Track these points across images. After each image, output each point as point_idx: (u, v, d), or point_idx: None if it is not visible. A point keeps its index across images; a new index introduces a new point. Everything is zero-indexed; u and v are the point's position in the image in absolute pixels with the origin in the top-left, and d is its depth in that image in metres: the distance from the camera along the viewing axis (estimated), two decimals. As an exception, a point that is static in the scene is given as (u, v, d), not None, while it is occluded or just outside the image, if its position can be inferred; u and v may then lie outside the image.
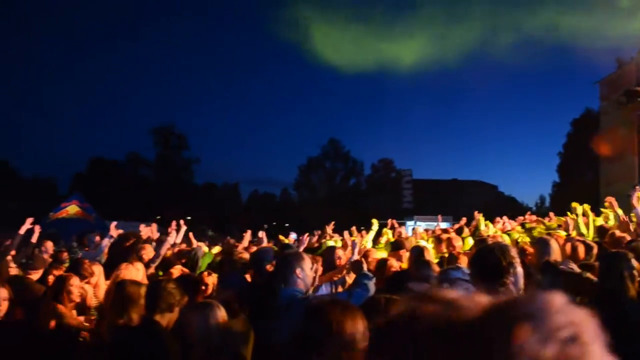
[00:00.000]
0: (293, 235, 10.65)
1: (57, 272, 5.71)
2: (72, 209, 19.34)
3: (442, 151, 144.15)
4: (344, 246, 6.14)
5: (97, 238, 7.23)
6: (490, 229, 9.44)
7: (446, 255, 6.15)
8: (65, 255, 8.33)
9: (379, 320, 0.78)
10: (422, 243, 6.88)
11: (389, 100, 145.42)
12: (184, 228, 7.57)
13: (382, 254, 6.72)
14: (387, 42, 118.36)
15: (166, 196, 59.64)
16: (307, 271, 3.60)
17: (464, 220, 10.81)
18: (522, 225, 10.36)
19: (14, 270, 6.46)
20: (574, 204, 7.83)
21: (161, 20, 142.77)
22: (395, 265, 5.42)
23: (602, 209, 9.15)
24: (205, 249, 7.67)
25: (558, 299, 0.66)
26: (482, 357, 0.63)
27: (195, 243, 8.03)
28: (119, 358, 3.34)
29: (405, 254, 6.03)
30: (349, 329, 2.00)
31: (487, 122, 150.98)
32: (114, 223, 7.83)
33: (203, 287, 4.76)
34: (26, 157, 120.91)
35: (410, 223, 27.48)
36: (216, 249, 8.37)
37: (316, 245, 8.75)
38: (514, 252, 2.74)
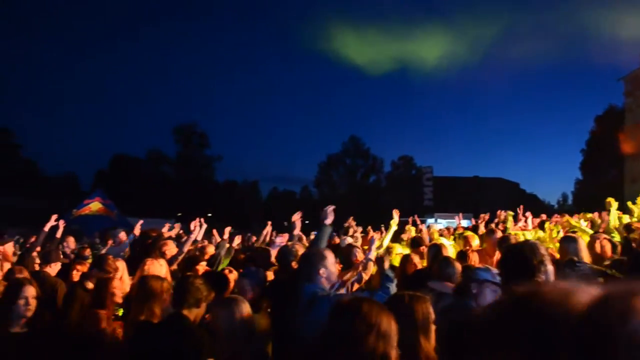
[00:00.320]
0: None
1: (80, 268, 5.78)
2: (94, 205, 19.58)
3: (463, 148, 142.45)
4: (364, 243, 6.10)
5: (122, 235, 7.29)
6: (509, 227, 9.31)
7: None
8: (88, 251, 8.42)
9: (495, 306, 0.84)
10: (444, 241, 6.82)
11: (409, 97, 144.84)
12: (204, 226, 7.61)
13: (404, 250, 6.69)
14: (408, 41, 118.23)
15: (187, 193, 60.09)
16: (331, 269, 3.60)
17: (486, 217, 10.66)
18: (541, 224, 10.18)
19: (7, 264, 6.59)
20: (609, 199, 7.73)
21: (184, 19, 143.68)
22: (417, 261, 5.39)
23: (630, 204, 9.00)
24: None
25: None
26: (601, 340, 0.66)
27: (218, 238, 8.06)
28: (147, 352, 3.38)
29: (425, 251, 5.99)
30: (385, 325, 2.03)
31: (509, 118, 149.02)
32: (140, 222, 7.93)
33: (229, 284, 4.78)
34: (49, 154, 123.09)
35: (430, 220, 27.28)
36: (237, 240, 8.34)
37: (337, 242, 8.71)
38: (544, 249, 2.68)
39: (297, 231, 5.69)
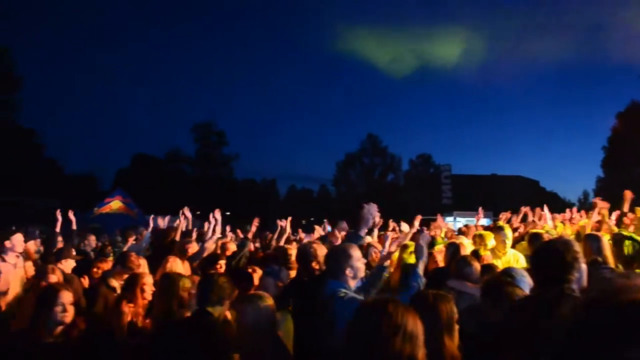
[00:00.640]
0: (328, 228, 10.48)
1: (101, 265, 5.84)
2: (115, 204, 19.81)
3: (482, 146, 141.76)
4: (380, 240, 6.08)
5: (144, 232, 7.36)
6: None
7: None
8: (109, 248, 8.52)
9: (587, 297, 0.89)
10: (464, 240, 6.76)
11: (427, 95, 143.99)
12: (219, 219, 7.57)
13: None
14: (427, 39, 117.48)
15: (206, 192, 60.43)
16: (357, 266, 3.60)
17: (507, 215, 10.49)
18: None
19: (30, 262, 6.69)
20: (638, 209, 7.65)
21: (203, 19, 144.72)
22: (440, 259, 5.37)
23: None
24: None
25: None
26: None
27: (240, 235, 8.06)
28: (171, 349, 3.41)
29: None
30: (411, 325, 2.00)
31: (528, 115, 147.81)
32: (167, 217, 8.00)
33: (253, 282, 4.79)
34: (71, 154, 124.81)
35: (449, 219, 26.99)
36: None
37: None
38: (577, 246, 2.63)
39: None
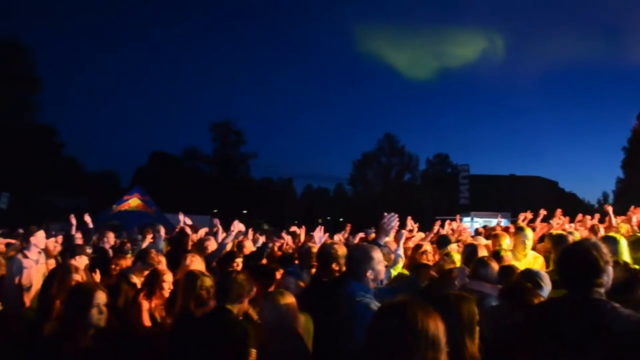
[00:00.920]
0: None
1: (120, 263, 5.90)
2: (133, 201, 20.04)
3: (500, 146, 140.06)
4: (396, 239, 6.06)
5: (162, 230, 7.43)
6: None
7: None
8: (128, 245, 8.59)
9: None
10: (482, 240, 6.71)
11: (445, 95, 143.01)
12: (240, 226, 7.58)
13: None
14: (444, 39, 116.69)
15: (224, 190, 60.75)
16: (378, 268, 3.59)
17: (525, 215, 10.38)
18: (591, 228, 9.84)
19: (53, 259, 6.79)
20: None
21: (222, 17, 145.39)
22: (458, 259, 5.34)
23: None
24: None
25: None
26: None
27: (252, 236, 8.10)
28: (191, 344, 3.44)
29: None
30: (433, 329, 1.93)
31: (547, 115, 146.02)
32: (187, 219, 8.07)
33: (274, 279, 4.81)
34: (90, 152, 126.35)
35: (466, 219, 26.79)
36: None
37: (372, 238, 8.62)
38: (606, 249, 2.57)
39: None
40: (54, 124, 51.98)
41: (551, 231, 6.70)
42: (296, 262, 5.75)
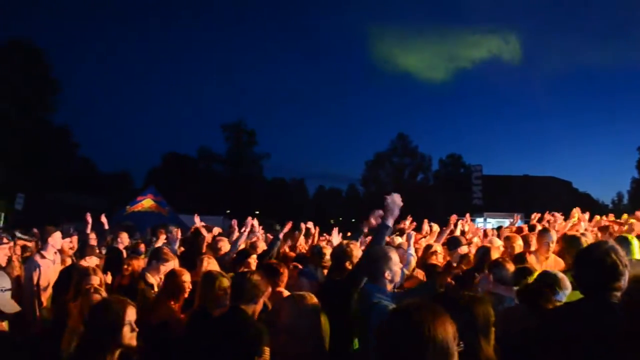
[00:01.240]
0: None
1: (132, 263, 5.94)
2: (147, 202, 20.13)
3: (513, 146, 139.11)
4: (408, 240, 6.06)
5: (176, 231, 7.47)
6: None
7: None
8: (142, 246, 8.64)
9: None
10: (496, 241, 6.67)
11: (458, 95, 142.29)
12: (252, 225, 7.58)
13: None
14: (457, 39, 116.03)
15: (236, 191, 60.91)
16: (395, 269, 3.57)
17: (537, 215, 10.28)
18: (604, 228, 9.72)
19: (68, 259, 6.85)
20: None
21: (233, 19, 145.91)
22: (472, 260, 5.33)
23: None
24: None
25: None
26: None
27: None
28: (204, 345, 3.47)
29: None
30: (441, 334, 1.84)
31: (560, 115, 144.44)
32: (199, 221, 8.10)
33: (283, 276, 4.81)
34: (105, 153, 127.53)
35: (479, 220, 26.64)
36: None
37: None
38: (623, 252, 2.55)
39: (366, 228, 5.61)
40: (69, 125, 52.47)
41: (564, 232, 6.63)
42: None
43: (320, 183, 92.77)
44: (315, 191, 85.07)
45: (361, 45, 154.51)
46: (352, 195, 78.98)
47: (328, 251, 5.18)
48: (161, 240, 8.39)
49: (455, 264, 5.60)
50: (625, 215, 9.85)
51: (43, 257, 6.27)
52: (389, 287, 3.56)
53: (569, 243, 5.30)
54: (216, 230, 8.63)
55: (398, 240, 7.21)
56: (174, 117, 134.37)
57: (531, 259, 5.02)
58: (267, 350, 3.20)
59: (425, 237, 8.15)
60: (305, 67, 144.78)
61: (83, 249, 6.47)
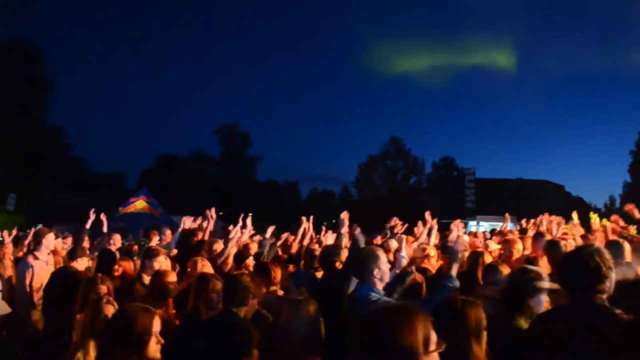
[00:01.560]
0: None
1: (124, 264, 5.91)
2: (139, 203, 20.07)
3: (506, 149, 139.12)
4: (407, 242, 6.08)
5: (168, 232, 7.45)
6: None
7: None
8: (135, 248, 8.61)
9: None
10: (492, 245, 6.71)
11: (451, 98, 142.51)
12: (250, 228, 7.57)
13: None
14: (449, 43, 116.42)
15: (230, 193, 60.73)
16: (384, 268, 3.61)
17: (533, 221, 10.31)
18: None
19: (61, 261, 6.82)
20: None
21: (228, 20, 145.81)
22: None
23: None
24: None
25: None
26: None
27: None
28: (195, 347, 3.48)
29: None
30: (406, 339, 1.74)
31: (553, 119, 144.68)
32: (191, 218, 8.06)
33: (275, 278, 4.79)
34: (98, 154, 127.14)
35: (472, 223, 26.65)
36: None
37: (377, 242, 8.57)
38: (608, 255, 2.57)
39: (344, 229, 5.61)
40: (62, 125, 52.22)
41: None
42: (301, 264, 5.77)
43: (314, 185, 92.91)
44: (309, 194, 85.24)
45: (355, 48, 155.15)
46: (345, 197, 79.01)
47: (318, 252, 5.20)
48: (154, 242, 8.36)
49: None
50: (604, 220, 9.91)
51: (36, 258, 6.24)
52: (380, 285, 3.59)
53: (548, 248, 5.33)
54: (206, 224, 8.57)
55: (394, 244, 7.23)
56: (167, 119, 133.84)
57: (543, 263, 4.98)
58: (255, 353, 3.23)
59: (417, 239, 8.15)
60: (299, 69, 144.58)
61: (74, 251, 6.43)
